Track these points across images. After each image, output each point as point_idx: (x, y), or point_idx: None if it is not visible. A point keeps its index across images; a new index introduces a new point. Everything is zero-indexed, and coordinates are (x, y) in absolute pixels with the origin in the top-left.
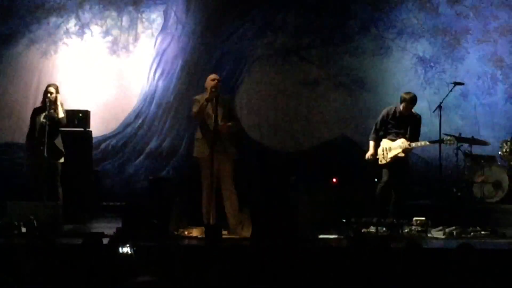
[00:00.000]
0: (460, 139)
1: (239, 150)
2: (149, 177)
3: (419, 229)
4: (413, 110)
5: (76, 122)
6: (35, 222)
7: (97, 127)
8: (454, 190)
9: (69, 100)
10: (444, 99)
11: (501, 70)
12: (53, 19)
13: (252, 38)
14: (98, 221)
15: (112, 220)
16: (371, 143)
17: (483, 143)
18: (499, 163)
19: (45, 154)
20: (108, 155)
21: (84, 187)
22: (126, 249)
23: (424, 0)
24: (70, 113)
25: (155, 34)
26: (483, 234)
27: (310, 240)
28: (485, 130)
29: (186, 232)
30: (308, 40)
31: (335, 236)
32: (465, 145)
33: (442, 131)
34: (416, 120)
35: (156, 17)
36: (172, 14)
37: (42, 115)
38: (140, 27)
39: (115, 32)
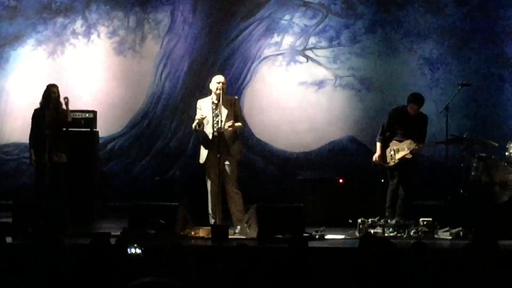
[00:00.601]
0: (467, 140)
1: (243, 151)
2: (155, 178)
3: (426, 230)
4: (420, 111)
5: (83, 122)
6: (41, 222)
7: (104, 128)
8: (461, 191)
9: (75, 100)
10: (451, 100)
11: (508, 70)
12: (59, 20)
13: (259, 38)
14: (105, 221)
15: (119, 220)
16: (378, 145)
17: (490, 144)
18: (505, 164)
19: (48, 154)
20: (114, 155)
21: (91, 187)
22: (133, 250)
23: (431, 0)
24: (76, 114)
25: (162, 35)
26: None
27: (317, 241)
28: (492, 131)
29: (192, 233)
30: (314, 40)
31: (342, 237)
32: (472, 146)
33: (449, 132)
34: (423, 121)
35: (163, 17)
36: (179, 14)
37: (46, 115)
38: (147, 28)
39: (121, 32)
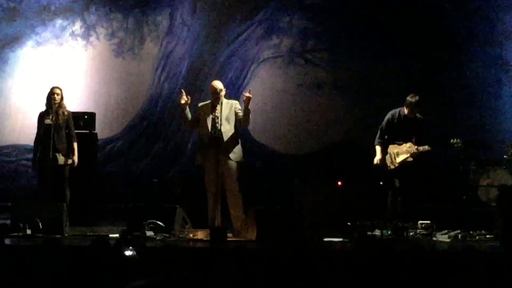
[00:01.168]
0: (466, 142)
1: (243, 153)
2: (154, 180)
3: (424, 232)
4: (417, 114)
5: (81, 124)
6: (40, 223)
7: (103, 129)
8: (459, 193)
9: (74, 102)
10: (449, 103)
11: (506, 74)
12: (59, 21)
13: (258, 40)
14: (103, 223)
15: (117, 222)
16: (378, 148)
17: (489, 146)
18: (504, 167)
19: (51, 156)
20: (113, 157)
21: (89, 189)
22: (130, 252)
23: (430, 3)
24: (75, 116)
25: (161, 37)
26: (488, 237)
27: (315, 243)
28: (491, 134)
29: (191, 235)
30: (313, 43)
31: (340, 239)
32: (470, 149)
33: (447, 136)
34: (421, 123)
35: (162, 19)
36: (178, 16)
37: (49, 117)
38: (146, 30)
39: (120, 34)
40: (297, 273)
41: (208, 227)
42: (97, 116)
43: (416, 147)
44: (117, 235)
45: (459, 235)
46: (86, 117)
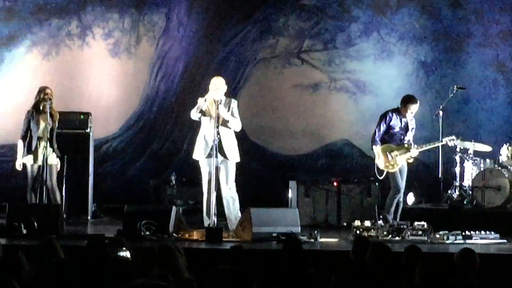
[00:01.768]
0: (461, 143)
1: (239, 153)
2: (150, 180)
3: (420, 233)
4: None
5: (77, 124)
6: (35, 223)
7: (99, 129)
8: (455, 194)
9: (70, 102)
10: (445, 103)
11: (502, 74)
12: (55, 21)
13: (254, 41)
14: (99, 223)
15: (113, 222)
16: (378, 148)
17: (485, 147)
18: (500, 168)
19: (42, 156)
20: (109, 157)
21: (85, 189)
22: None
23: (426, 4)
24: (71, 115)
25: (157, 37)
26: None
27: (311, 243)
28: (487, 134)
29: (186, 235)
30: (309, 43)
31: (336, 240)
32: (466, 150)
33: (443, 136)
34: (414, 123)
35: (158, 19)
36: (174, 16)
37: (40, 117)
38: (142, 30)
39: (117, 34)
40: (293, 274)
41: (204, 227)
42: (93, 116)
43: (415, 146)
44: (112, 235)
45: (455, 236)
46: (81, 117)
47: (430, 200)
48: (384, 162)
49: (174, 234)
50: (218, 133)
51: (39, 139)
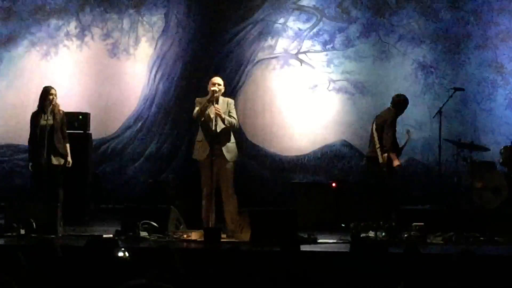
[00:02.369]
0: (460, 144)
1: (238, 153)
2: (148, 180)
3: (418, 234)
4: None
5: (76, 124)
6: (34, 223)
7: (97, 130)
8: (453, 195)
9: (69, 102)
10: (444, 104)
11: (501, 76)
12: (53, 21)
13: (253, 41)
14: (97, 223)
15: (111, 223)
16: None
17: (483, 149)
18: (498, 169)
19: (45, 156)
20: (107, 158)
21: (84, 189)
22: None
23: (425, 5)
24: (70, 116)
25: (156, 37)
26: (482, 240)
27: (309, 244)
28: (485, 136)
29: (185, 235)
30: (308, 44)
31: (334, 241)
32: (465, 151)
33: (442, 137)
34: None
35: (157, 20)
36: (173, 17)
37: (44, 117)
38: (141, 30)
39: (115, 34)
40: (291, 275)
41: (202, 228)
42: (92, 116)
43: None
44: (111, 235)
45: (453, 237)
46: (80, 117)
47: (429, 201)
48: (396, 165)
49: (172, 235)
50: (216, 134)
51: (43, 139)
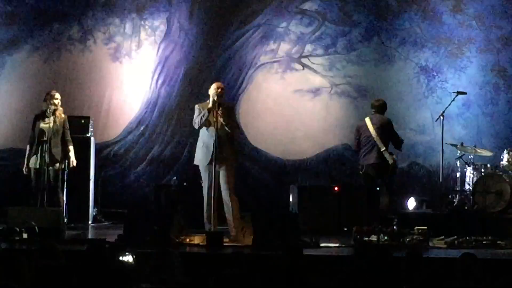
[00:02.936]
0: (462, 148)
1: (239, 158)
2: (150, 184)
3: (421, 238)
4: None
5: (77, 128)
6: (36, 228)
7: (99, 134)
8: (456, 199)
9: (71, 106)
10: (446, 108)
11: (503, 80)
12: (56, 26)
13: (255, 45)
14: (100, 227)
15: (114, 227)
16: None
17: (485, 152)
18: (501, 173)
19: (47, 160)
20: (110, 162)
21: (86, 193)
22: (127, 257)
23: (427, 9)
24: (72, 120)
25: (158, 41)
26: (484, 243)
27: (312, 248)
28: (487, 139)
29: (187, 239)
30: (310, 48)
31: (337, 245)
32: (467, 155)
33: (444, 140)
34: None
35: (159, 24)
36: (175, 21)
37: (45, 121)
38: (143, 34)
39: (118, 39)
40: (293, 278)
41: (205, 232)
42: (94, 121)
43: None
44: (113, 239)
45: (455, 241)
46: (82, 121)
47: (431, 205)
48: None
49: (175, 239)
50: (217, 138)
51: (44, 142)
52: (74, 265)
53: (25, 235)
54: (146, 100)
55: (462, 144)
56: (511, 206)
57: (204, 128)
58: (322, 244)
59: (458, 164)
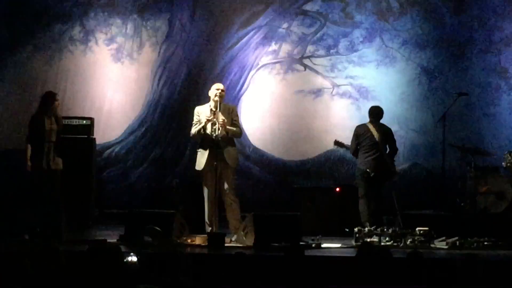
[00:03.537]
0: (464, 149)
1: (240, 158)
2: (152, 185)
3: (422, 239)
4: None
5: (79, 129)
6: (37, 229)
7: (101, 135)
8: (457, 200)
9: (72, 107)
10: (448, 109)
11: (505, 81)
12: (57, 26)
13: (257, 46)
14: (101, 228)
15: (115, 228)
16: None
17: (487, 153)
18: (502, 174)
19: (47, 160)
20: (111, 163)
21: (87, 194)
22: (130, 258)
23: (429, 10)
24: (73, 120)
25: (160, 42)
26: (486, 244)
27: (313, 249)
28: (489, 140)
29: (189, 240)
30: (312, 49)
31: (338, 245)
32: (469, 156)
33: (446, 142)
34: None
35: (160, 25)
36: (177, 22)
37: (48, 122)
38: (144, 35)
39: (119, 39)
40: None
41: (206, 233)
42: (95, 121)
43: None
44: (115, 240)
45: (457, 242)
46: (84, 122)
47: (433, 206)
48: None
49: (176, 240)
50: (218, 141)
51: (43, 143)
52: (75, 266)
53: (26, 237)
54: (147, 100)
55: (463, 145)
56: None
57: (204, 131)
58: (323, 245)
59: (459, 165)
